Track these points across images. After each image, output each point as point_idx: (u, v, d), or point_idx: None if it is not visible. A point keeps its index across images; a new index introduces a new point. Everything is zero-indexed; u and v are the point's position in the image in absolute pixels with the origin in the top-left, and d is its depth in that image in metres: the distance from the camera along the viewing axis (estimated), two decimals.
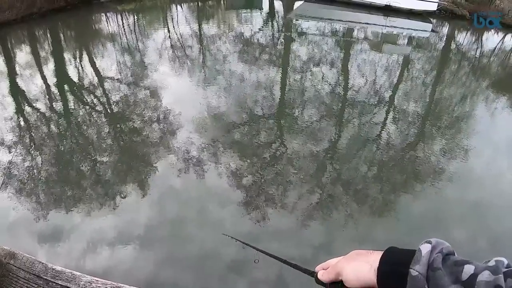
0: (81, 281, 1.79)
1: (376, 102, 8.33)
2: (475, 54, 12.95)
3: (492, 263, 0.65)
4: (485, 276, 0.62)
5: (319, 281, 0.89)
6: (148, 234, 4.43)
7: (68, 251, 4.23)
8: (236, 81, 8.86)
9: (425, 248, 0.69)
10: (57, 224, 4.61)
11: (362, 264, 0.77)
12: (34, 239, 4.40)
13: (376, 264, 0.73)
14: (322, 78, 9.50)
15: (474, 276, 0.63)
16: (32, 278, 1.85)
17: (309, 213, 4.85)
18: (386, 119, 7.56)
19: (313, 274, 0.93)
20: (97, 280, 1.80)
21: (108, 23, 13.49)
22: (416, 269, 0.67)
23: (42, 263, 1.93)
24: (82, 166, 5.72)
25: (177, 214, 4.77)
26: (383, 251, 0.75)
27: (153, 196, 5.08)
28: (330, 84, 9.17)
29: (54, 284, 1.79)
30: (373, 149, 6.44)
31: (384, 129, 7.06)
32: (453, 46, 13.85)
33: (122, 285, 1.80)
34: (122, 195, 5.11)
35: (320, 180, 5.59)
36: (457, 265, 0.66)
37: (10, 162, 5.73)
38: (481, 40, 13.94)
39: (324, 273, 0.86)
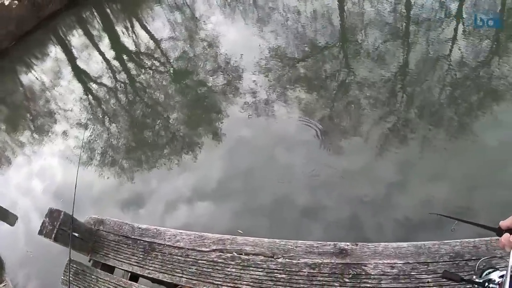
0: (166, 235, 1.91)
1: (443, 16, 7.77)
2: None
3: None
4: None
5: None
6: (224, 184, 4.59)
7: (151, 212, 4.54)
8: (292, 14, 8.61)
9: None
10: (138, 188, 4.95)
11: None
12: (118, 205, 4.79)
13: None
14: None
15: None
16: (121, 239, 2.02)
17: (383, 143, 4.70)
18: (455, 34, 7.09)
19: (496, 230, 1.05)
20: (181, 233, 1.93)
21: None
22: None
23: (129, 224, 2.12)
24: (155, 128, 6.02)
25: (251, 162, 4.84)
26: None
27: (226, 146, 5.22)
28: (390, 2, 8.64)
29: (141, 241, 1.94)
30: (445, 67, 6.15)
31: (455, 45, 6.67)
32: None
33: (204, 234, 1.95)
34: (197, 150, 5.36)
35: (393, 106, 5.42)
36: None
37: (86, 138, 6.20)
38: None
39: None
